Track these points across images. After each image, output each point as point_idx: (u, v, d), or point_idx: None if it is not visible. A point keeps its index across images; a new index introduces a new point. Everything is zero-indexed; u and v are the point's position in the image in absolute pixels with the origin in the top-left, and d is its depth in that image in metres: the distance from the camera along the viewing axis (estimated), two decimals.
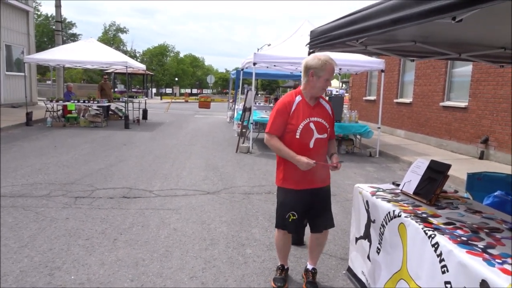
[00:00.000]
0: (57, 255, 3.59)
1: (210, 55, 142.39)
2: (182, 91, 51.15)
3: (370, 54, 5.02)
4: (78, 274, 3.26)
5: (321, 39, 3.57)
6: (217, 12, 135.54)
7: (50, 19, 45.67)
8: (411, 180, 3.14)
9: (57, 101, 13.87)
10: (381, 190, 3.24)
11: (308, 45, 3.96)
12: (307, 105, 3.02)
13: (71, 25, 50.31)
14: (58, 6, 18.67)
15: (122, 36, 57.48)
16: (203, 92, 52.57)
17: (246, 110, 9.95)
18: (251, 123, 9.93)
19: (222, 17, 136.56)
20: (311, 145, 3.00)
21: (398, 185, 3.35)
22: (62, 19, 20.25)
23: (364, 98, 16.70)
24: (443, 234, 2.23)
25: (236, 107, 15.46)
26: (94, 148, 9.21)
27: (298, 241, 4.02)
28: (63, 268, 3.34)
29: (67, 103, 13.63)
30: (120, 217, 4.68)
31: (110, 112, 15.77)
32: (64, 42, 19.74)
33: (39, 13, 45.06)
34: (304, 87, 3.04)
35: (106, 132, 12.21)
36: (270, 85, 54.78)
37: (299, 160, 2.90)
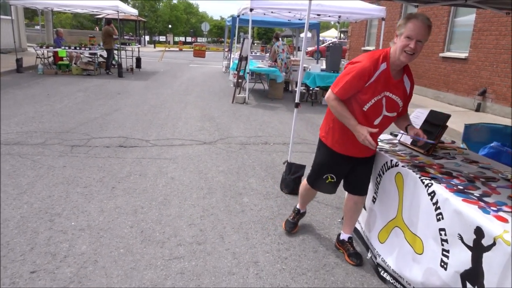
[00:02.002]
0: (57, 202, 3.62)
1: (204, 1, 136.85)
2: (176, 39, 49.65)
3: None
4: (78, 220, 3.31)
5: None
6: None
7: None
8: None
9: (47, 47, 13.43)
10: (379, 140, 3.23)
11: None
12: (389, 77, 2.54)
13: None
14: None
15: None
16: (198, 40, 51.07)
17: (243, 59, 9.72)
18: (248, 73, 9.74)
19: None
20: (376, 122, 2.62)
21: (396, 135, 3.35)
22: None
23: (363, 48, 16.33)
24: (439, 183, 2.26)
25: (231, 56, 15.11)
26: (87, 97, 9.06)
27: (295, 190, 4.08)
28: (63, 215, 3.39)
29: (58, 49, 13.21)
30: (117, 166, 4.69)
31: (101, 60, 15.30)
32: None
33: None
34: (392, 51, 2.54)
35: (99, 80, 11.96)
36: (267, 34, 53.28)
37: (360, 131, 2.50)
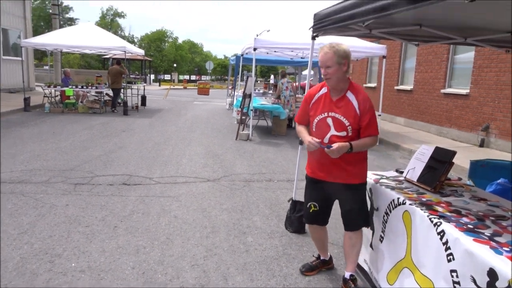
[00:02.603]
0: (57, 242, 3.56)
1: (208, 41, 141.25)
2: (181, 77, 50.79)
3: (374, 38, 4.93)
4: (79, 261, 3.24)
5: (325, 22, 3.49)
6: None
7: (47, 2, 45.01)
8: (415, 167, 3.11)
9: (55, 86, 13.74)
10: (385, 177, 3.20)
11: (311, 29, 3.87)
12: (329, 99, 2.82)
13: (68, 9, 49.63)
14: None
15: (120, 21, 56.92)
16: (202, 78, 52.19)
17: (246, 96, 9.86)
18: (251, 110, 9.85)
19: (221, 3, 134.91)
20: (326, 140, 2.79)
21: (402, 172, 3.32)
22: (59, 3, 19.95)
23: (365, 85, 16.57)
24: (449, 222, 2.21)
25: (235, 93, 15.35)
26: (93, 135, 9.15)
27: (300, 229, 4.00)
28: (64, 255, 3.32)
29: (65, 88, 13.50)
30: (120, 204, 4.65)
31: (107, 98, 15.58)
32: (61, 27, 19.44)
33: None
34: None
35: (104, 118, 12.12)
36: (269, 71, 54.44)
37: (305, 139, 2.87)
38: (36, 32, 28.76)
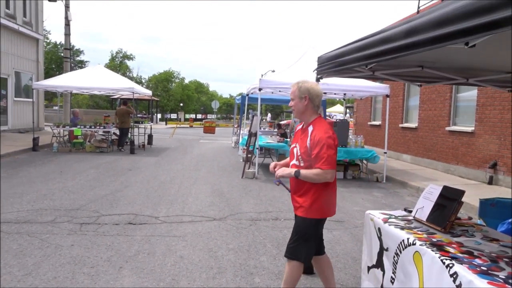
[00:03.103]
0: (62, 284, 3.51)
1: (214, 81, 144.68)
2: (187, 116, 51.57)
3: (376, 79, 5.04)
4: None
5: (329, 65, 3.59)
6: (221, 39, 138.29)
7: (59, 46, 46.71)
8: (424, 206, 3.08)
9: (63, 126, 13.99)
10: (393, 217, 3.17)
11: (315, 71, 3.98)
12: (300, 131, 3.14)
13: (79, 52, 51.36)
14: (67, 34, 19.10)
15: (129, 62, 58.56)
16: (208, 117, 52.93)
17: (252, 135, 9.96)
18: (257, 148, 9.91)
19: (226, 44, 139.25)
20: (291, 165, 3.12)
21: (410, 211, 3.29)
22: (71, 47, 20.69)
23: (369, 123, 16.71)
24: (461, 264, 2.16)
25: (241, 132, 15.50)
26: (99, 174, 9.20)
27: (309, 270, 3.92)
28: None
29: (73, 128, 13.73)
30: (125, 244, 4.60)
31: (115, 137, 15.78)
32: (72, 69, 20.08)
33: (48, 41, 46.14)
34: None
35: (111, 157, 12.22)
36: (274, 110, 55.17)
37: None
38: (48, 74, 29.68)
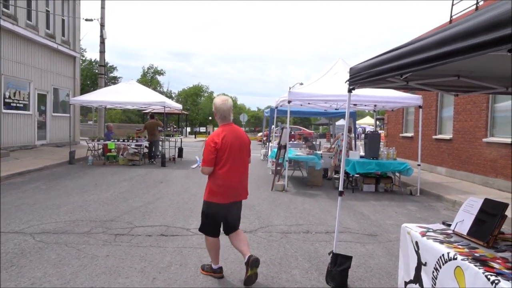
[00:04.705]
0: None
1: (242, 95, 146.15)
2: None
3: (410, 89, 4.94)
4: None
5: (362, 76, 3.55)
6: (249, 53, 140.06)
7: (94, 63, 48.66)
8: (464, 219, 2.97)
9: (98, 140, 14.47)
10: (431, 230, 3.07)
11: (347, 82, 3.95)
12: None
13: (112, 68, 53.33)
14: (102, 51, 19.88)
15: (159, 78, 60.25)
16: None
17: (282, 147, 9.94)
18: (286, 161, 9.87)
19: (254, 58, 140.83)
20: None
21: (449, 225, 3.17)
22: (105, 64, 21.51)
23: (401, 134, 16.35)
24: (508, 280, 2.06)
25: (270, 144, 15.50)
26: (132, 186, 9.41)
27: (342, 284, 3.82)
28: None
29: (107, 142, 14.17)
30: (158, 255, 4.66)
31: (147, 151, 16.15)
32: (106, 85, 20.82)
33: (83, 58, 48.18)
34: None
35: (143, 170, 12.49)
36: (303, 122, 54.97)
37: None
38: (83, 90, 30.87)
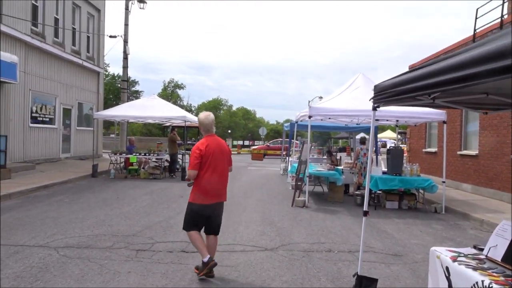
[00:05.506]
0: None
1: (260, 108, 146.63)
2: (235, 143, 52.37)
3: (436, 107, 4.84)
4: None
5: (387, 94, 3.50)
6: (267, 66, 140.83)
7: (116, 78, 49.82)
8: (497, 244, 2.85)
9: (120, 154, 14.70)
10: (463, 255, 2.95)
11: (372, 100, 3.90)
12: None
13: (134, 82, 54.48)
14: (125, 67, 20.38)
15: (180, 91, 61.18)
16: (255, 143, 53.41)
17: (302, 163, 9.87)
18: (307, 176, 9.78)
19: (272, 71, 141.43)
20: None
21: (481, 249, 3.05)
22: (128, 78, 21.99)
23: (424, 150, 16.02)
24: None
25: (289, 159, 15.42)
26: (153, 200, 9.48)
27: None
28: None
29: (129, 155, 14.38)
30: (179, 272, 4.64)
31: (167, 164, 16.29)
32: (128, 99, 21.27)
33: (107, 73, 49.42)
34: None
35: (164, 183, 12.59)
36: (322, 136, 54.57)
37: None
38: (106, 104, 31.56)
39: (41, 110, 16.12)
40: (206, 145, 4.46)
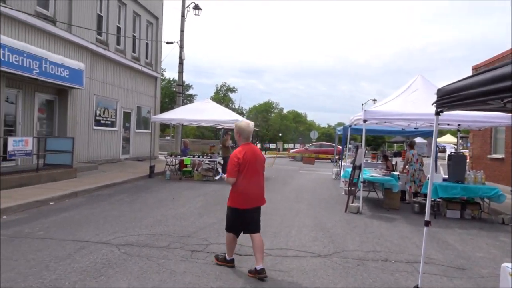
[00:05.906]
0: None
1: (311, 111, 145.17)
2: (285, 146, 52.27)
3: (506, 111, 4.50)
4: None
5: (452, 98, 3.32)
6: (318, 69, 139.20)
7: (172, 82, 51.75)
8: None
9: (175, 156, 15.22)
10: None
11: (434, 104, 3.71)
12: None
13: (188, 87, 56.26)
14: (180, 72, 21.10)
15: (231, 95, 62.27)
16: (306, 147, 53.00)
17: (356, 168, 9.62)
18: (361, 182, 9.51)
19: (323, 74, 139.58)
20: None
21: None
22: (183, 83, 22.75)
23: (489, 156, 15.00)
24: None
25: (342, 164, 15.11)
26: (206, 202, 9.69)
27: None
28: None
29: (184, 157, 14.84)
30: (233, 275, 4.70)
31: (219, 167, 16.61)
32: (182, 103, 22.00)
33: (163, 78, 51.48)
34: None
35: (216, 186, 12.83)
36: (375, 140, 52.94)
37: None
38: (162, 107, 32.87)
39: (103, 114, 17.12)
40: (243, 153, 4.73)
